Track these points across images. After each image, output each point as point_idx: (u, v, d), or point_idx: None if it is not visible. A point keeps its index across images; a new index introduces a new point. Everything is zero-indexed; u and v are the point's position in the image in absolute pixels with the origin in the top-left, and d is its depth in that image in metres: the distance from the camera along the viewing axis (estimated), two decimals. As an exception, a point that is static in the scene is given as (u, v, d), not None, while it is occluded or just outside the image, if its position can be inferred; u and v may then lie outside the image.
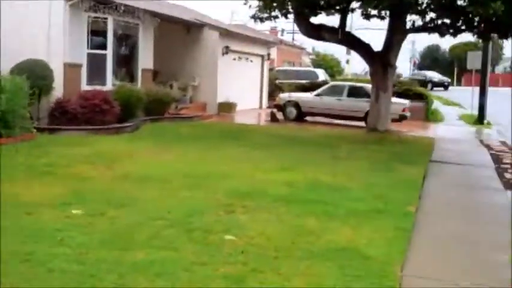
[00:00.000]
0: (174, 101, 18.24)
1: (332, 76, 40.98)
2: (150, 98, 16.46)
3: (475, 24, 15.75)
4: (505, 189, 9.85)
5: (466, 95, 31.00)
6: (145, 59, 17.77)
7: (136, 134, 14.12)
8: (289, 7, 16.15)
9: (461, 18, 15.48)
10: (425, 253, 5.99)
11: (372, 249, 5.74)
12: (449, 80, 55.32)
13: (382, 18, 17.08)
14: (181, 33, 21.29)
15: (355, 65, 61.98)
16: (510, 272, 5.50)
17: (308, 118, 21.01)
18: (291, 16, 17.12)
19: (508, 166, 12.41)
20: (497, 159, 13.38)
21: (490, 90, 24.57)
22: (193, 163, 10.36)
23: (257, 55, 25.95)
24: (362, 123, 18.95)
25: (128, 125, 14.56)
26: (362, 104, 19.02)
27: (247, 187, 8.33)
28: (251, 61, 25.36)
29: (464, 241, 6.56)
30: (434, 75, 55.09)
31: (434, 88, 52.21)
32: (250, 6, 16.53)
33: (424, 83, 53.08)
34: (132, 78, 17.20)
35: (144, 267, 4.91)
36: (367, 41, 17.65)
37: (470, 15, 14.72)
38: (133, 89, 15.91)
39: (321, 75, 30.76)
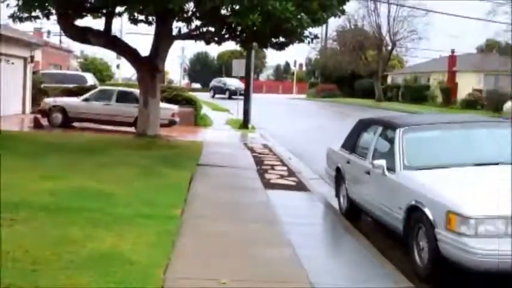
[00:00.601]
0: None
1: (102, 81, 40.20)
2: None
3: (238, 33, 16.55)
4: (265, 189, 10.53)
5: (233, 101, 32.60)
6: None
7: None
8: (51, 8, 15.42)
9: (225, 27, 16.15)
10: (189, 254, 6.14)
11: (136, 254, 5.72)
12: None
13: (150, 23, 17.19)
14: None
15: (126, 70, 61.48)
16: (273, 266, 5.88)
17: (76, 124, 20.28)
18: (55, 17, 16.38)
19: (269, 167, 13.28)
20: (259, 161, 14.23)
21: (255, 97, 26.09)
22: None
23: (19, 57, 24.37)
24: (132, 129, 18.83)
25: None
26: (131, 109, 18.87)
27: (4, 198, 7.76)
28: (12, 63, 23.72)
29: (229, 240, 6.85)
30: (233, 83, 49.81)
31: (233, 96, 50.58)
32: (8, 4, 15.44)
33: (222, 90, 52.65)
34: None
35: None
36: (136, 46, 17.60)
37: (232, 25, 15.42)
38: None
39: (90, 79, 29.94)
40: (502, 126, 8.38)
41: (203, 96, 41.16)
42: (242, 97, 46.77)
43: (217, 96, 50.50)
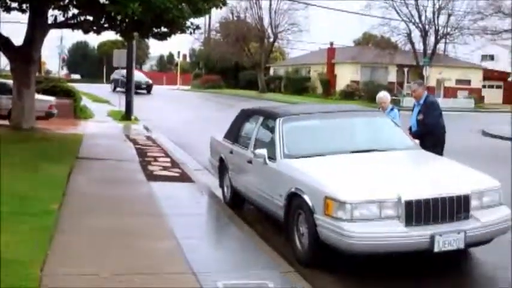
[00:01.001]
0: None
1: (-27, 72, 37.89)
2: None
3: (118, 22, 16.12)
4: (148, 181, 10.40)
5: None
6: None
7: None
8: None
9: (104, 16, 15.68)
10: (68, 250, 5.95)
11: (11, 253, 5.46)
12: (151, 82, 48.98)
13: (23, 11, 16.34)
14: None
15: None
16: (156, 258, 5.81)
17: None
18: None
19: (152, 159, 13.10)
20: (142, 153, 14.00)
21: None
22: None
23: None
24: (6, 122, 17.88)
25: None
26: (5, 101, 17.87)
27: None
28: None
29: (110, 234, 6.70)
30: (136, 76, 44.38)
31: (137, 90, 42.86)
32: None
33: (122, 83, 46.69)
34: None
35: None
36: (11, 35, 16.67)
37: (112, 14, 15.00)
38: None
39: (-41, 70, 28.13)
40: (375, 115, 8.80)
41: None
42: (145, 91, 44.09)
43: (118, 89, 40.66)
